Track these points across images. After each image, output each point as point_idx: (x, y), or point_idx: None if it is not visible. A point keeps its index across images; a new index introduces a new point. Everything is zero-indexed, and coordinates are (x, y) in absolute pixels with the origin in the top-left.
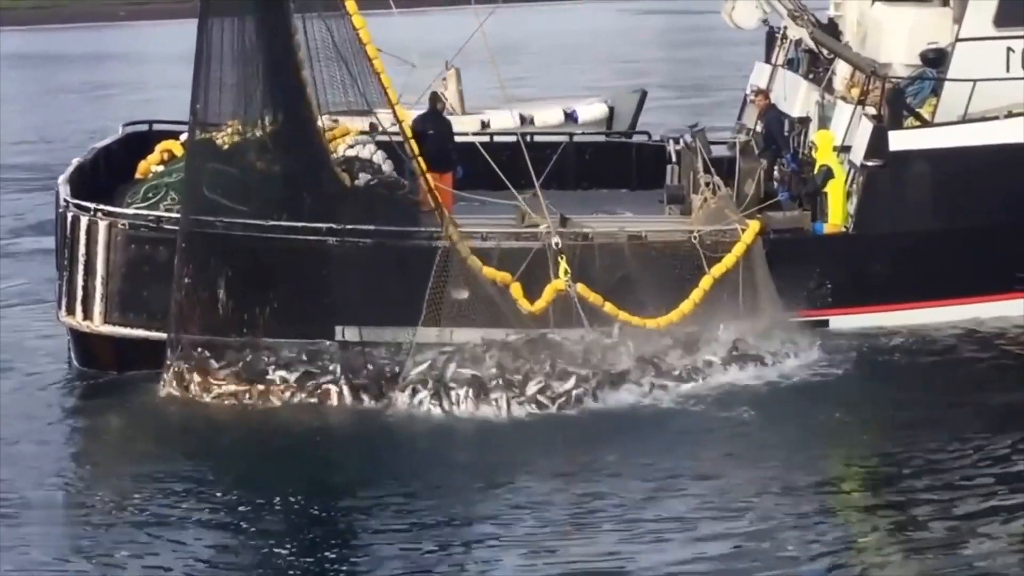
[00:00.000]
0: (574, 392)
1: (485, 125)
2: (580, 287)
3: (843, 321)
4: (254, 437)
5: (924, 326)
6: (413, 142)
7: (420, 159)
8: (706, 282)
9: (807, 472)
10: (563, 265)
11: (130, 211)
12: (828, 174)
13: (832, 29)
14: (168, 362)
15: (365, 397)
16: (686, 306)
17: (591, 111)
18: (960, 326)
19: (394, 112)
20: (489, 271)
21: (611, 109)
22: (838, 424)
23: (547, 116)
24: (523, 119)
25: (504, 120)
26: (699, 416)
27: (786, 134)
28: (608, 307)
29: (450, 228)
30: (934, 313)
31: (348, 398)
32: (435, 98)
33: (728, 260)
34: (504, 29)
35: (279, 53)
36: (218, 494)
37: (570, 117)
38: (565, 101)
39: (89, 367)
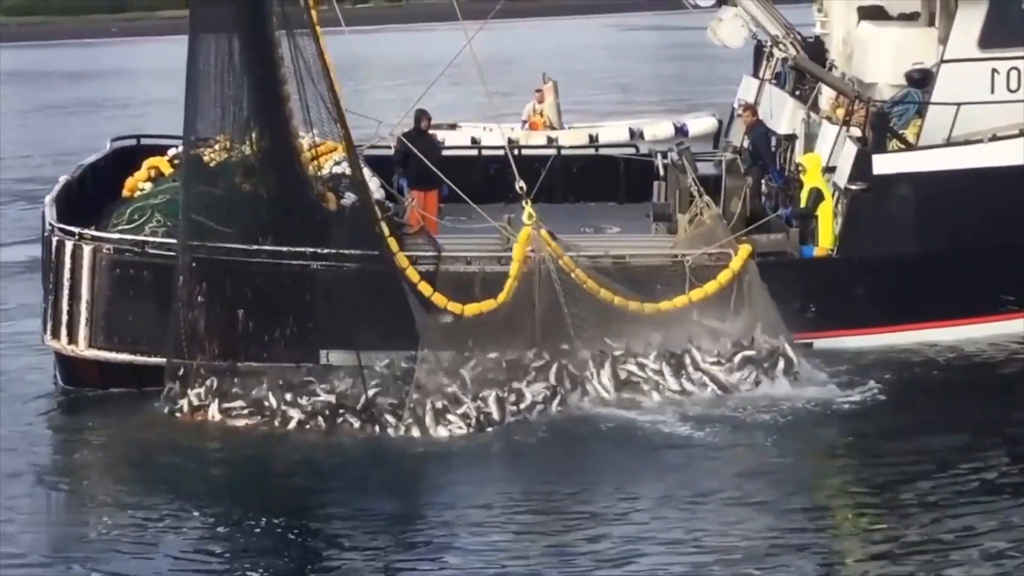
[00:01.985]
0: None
1: (593, 139)
2: (545, 233)
3: (827, 343)
4: (243, 455)
5: (908, 348)
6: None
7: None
8: (681, 301)
9: (794, 491)
10: (528, 209)
11: (115, 236)
12: (819, 197)
13: (818, 47)
14: (178, 387)
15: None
16: (664, 305)
17: (701, 124)
18: (945, 348)
19: (346, 135)
20: (439, 298)
21: (720, 123)
22: (823, 444)
23: (657, 130)
24: (632, 133)
25: (616, 134)
26: (684, 436)
27: (773, 150)
28: (588, 282)
29: (398, 255)
30: (918, 335)
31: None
32: (420, 116)
33: (710, 287)
34: (493, 46)
35: (259, 71)
36: (208, 510)
37: (680, 131)
38: (676, 115)
39: (73, 387)
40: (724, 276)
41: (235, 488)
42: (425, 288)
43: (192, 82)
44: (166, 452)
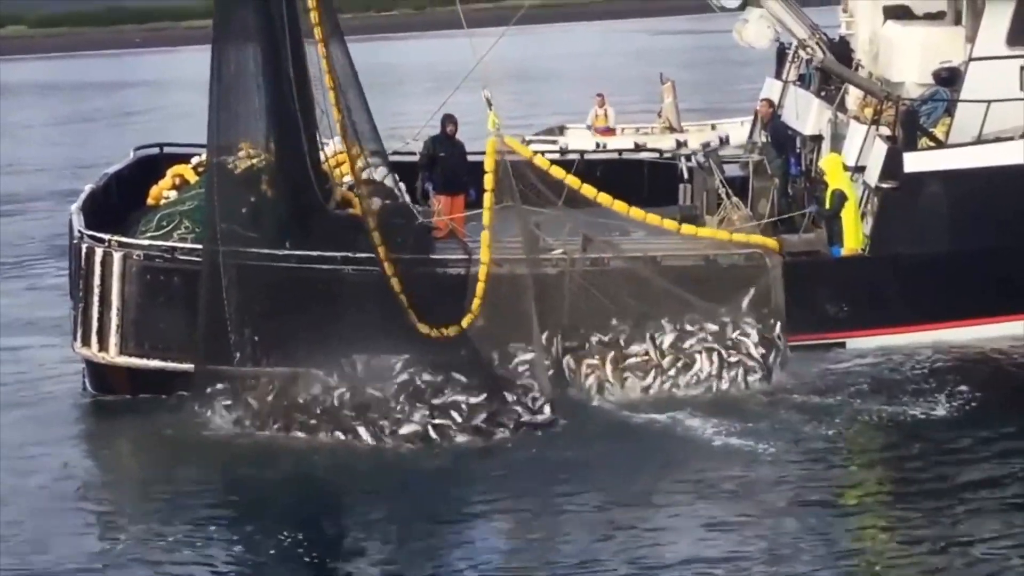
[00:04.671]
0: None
1: (724, 140)
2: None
3: (860, 343)
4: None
5: (941, 346)
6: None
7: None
8: None
9: (805, 490)
10: (492, 117)
11: (144, 242)
12: (842, 198)
13: (844, 47)
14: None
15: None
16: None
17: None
18: (977, 346)
19: (346, 142)
20: (412, 316)
21: None
22: (849, 439)
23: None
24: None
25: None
26: (690, 427)
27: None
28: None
29: (386, 263)
30: (951, 334)
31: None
32: (447, 120)
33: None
34: (513, 53)
35: (275, 78)
36: (232, 519)
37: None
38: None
39: (103, 393)
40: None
41: (262, 496)
42: (402, 300)
43: (216, 90)
44: (194, 459)
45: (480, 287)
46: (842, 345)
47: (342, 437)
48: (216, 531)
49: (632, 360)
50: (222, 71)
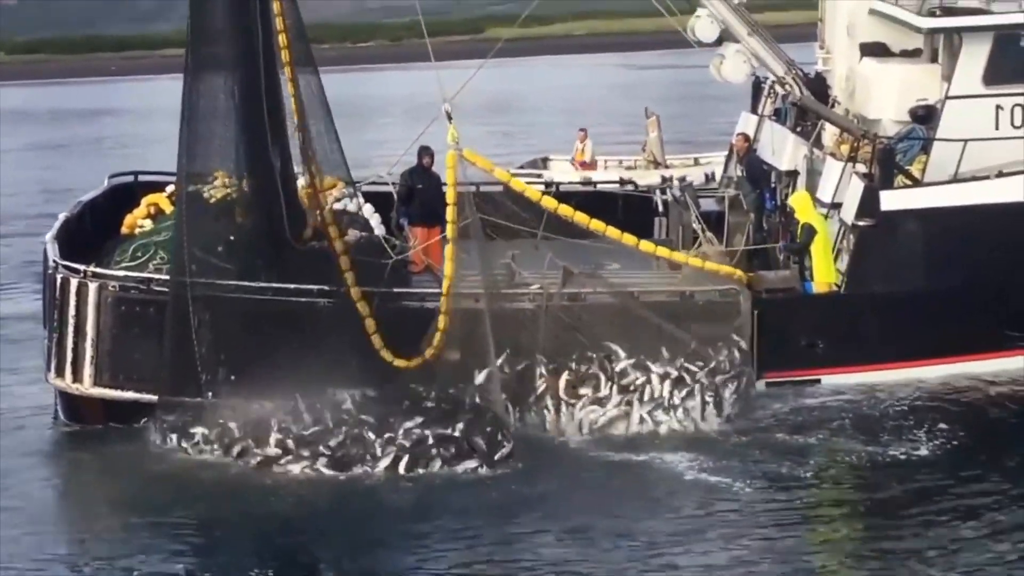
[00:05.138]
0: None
1: (709, 177)
2: (470, 152)
3: (835, 380)
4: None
5: (916, 384)
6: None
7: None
8: None
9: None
10: (452, 131)
11: (120, 273)
12: (811, 232)
13: (820, 83)
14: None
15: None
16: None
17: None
18: (951, 384)
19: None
20: (378, 339)
21: None
22: (828, 477)
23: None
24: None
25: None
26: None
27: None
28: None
29: (352, 288)
30: (927, 371)
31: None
32: (423, 152)
33: None
34: (496, 85)
35: (249, 109)
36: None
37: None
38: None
39: (76, 423)
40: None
41: (217, 527)
42: (370, 326)
43: (187, 119)
44: (152, 489)
45: (442, 319)
46: (817, 382)
47: (305, 469)
48: (167, 561)
49: (587, 391)
50: (194, 100)
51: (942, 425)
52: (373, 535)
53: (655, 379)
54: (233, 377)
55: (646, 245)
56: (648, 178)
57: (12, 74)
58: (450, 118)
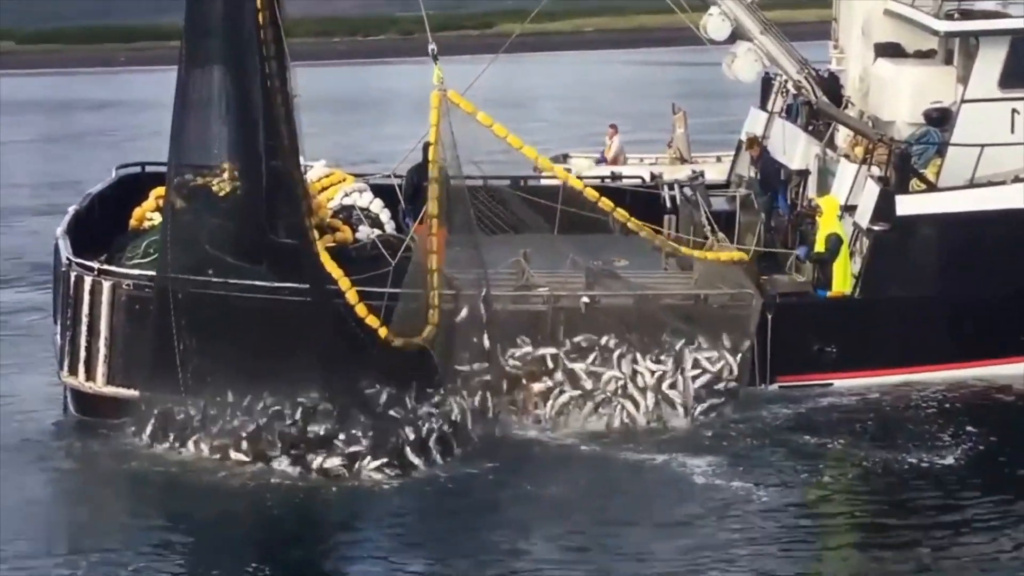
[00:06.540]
0: None
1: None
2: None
3: (847, 384)
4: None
5: (928, 388)
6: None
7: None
8: None
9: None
10: (437, 71)
11: (134, 271)
12: (838, 243)
13: (834, 83)
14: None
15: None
16: None
17: None
18: (966, 389)
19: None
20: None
21: None
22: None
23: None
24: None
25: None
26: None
27: (782, 179)
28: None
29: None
30: (939, 376)
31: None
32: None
33: None
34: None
35: (244, 103)
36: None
37: None
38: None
39: (86, 416)
40: None
41: (177, 524)
42: (372, 321)
43: (179, 112)
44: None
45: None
46: (830, 385)
47: (272, 466)
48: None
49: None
50: (191, 93)
51: (956, 431)
52: (325, 536)
53: (646, 375)
54: (207, 374)
55: (664, 242)
56: (676, 174)
57: (21, 64)
58: (435, 59)
